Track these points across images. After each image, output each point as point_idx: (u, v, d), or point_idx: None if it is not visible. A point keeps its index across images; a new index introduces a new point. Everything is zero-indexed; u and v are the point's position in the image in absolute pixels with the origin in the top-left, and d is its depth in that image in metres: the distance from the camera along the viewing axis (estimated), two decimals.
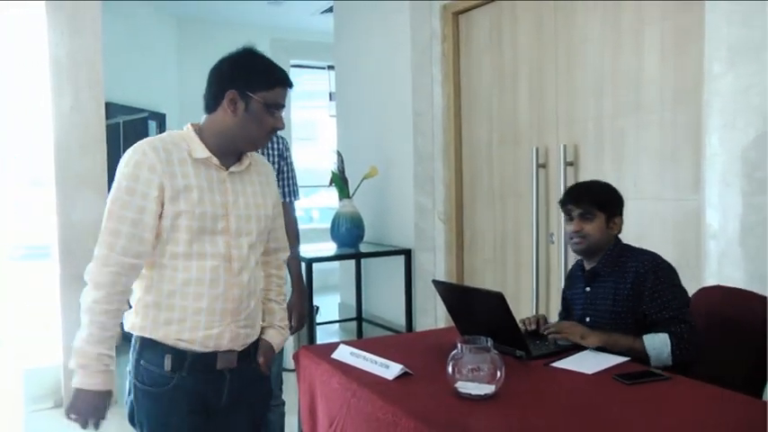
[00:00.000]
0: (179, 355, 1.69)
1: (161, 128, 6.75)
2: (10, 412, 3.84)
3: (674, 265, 2.17)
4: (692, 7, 2.66)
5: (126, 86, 5.96)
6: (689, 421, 1.53)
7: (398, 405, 1.66)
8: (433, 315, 4.32)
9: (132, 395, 1.75)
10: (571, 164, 3.29)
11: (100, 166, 3.96)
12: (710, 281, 2.52)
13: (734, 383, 1.83)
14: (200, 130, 1.75)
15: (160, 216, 1.65)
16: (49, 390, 3.98)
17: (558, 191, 3.29)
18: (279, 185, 2.28)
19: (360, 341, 2.38)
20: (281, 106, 1.74)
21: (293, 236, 2.55)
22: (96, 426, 1.70)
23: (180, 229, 1.67)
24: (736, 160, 2.46)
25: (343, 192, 4.72)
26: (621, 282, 2.14)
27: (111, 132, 4.82)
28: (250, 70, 1.72)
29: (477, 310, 2.16)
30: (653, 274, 2.09)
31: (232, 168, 1.76)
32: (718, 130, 2.52)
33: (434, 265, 4.31)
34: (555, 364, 1.96)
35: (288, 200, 2.60)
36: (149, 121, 5.75)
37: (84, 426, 1.68)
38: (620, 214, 2.24)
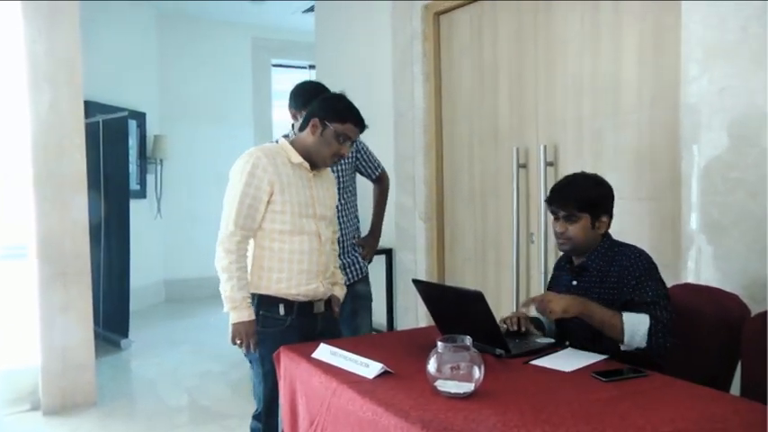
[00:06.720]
0: (288, 303, 2.36)
1: (141, 127, 6.69)
2: None
3: None
4: (670, 9, 2.70)
5: (105, 85, 5.89)
6: (664, 416, 1.55)
7: (379, 404, 1.67)
8: (415, 314, 4.33)
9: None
10: (551, 164, 3.32)
11: (79, 166, 3.90)
12: (687, 280, 2.55)
13: (701, 378, 1.86)
14: (292, 142, 2.42)
15: (268, 203, 2.30)
16: (25, 392, 3.91)
17: (539, 191, 3.32)
18: (365, 169, 3.23)
19: (340, 340, 2.38)
20: (347, 138, 2.38)
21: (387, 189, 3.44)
22: (255, 347, 2.30)
23: (286, 213, 2.32)
24: (713, 161, 2.50)
25: None
26: (607, 273, 2.16)
27: (91, 131, 4.77)
28: (333, 106, 2.39)
29: (457, 309, 2.17)
30: (639, 266, 2.11)
31: (314, 171, 2.42)
32: (695, 131, 2.55)
33: (415, 265, 4.32)
34: (534, 362, 1.98)
35: (377, 174, 3.31)
36: (129, 120, 5.69)
37: (248, 348, 2.29)
38: (607, 212, 2.23)
